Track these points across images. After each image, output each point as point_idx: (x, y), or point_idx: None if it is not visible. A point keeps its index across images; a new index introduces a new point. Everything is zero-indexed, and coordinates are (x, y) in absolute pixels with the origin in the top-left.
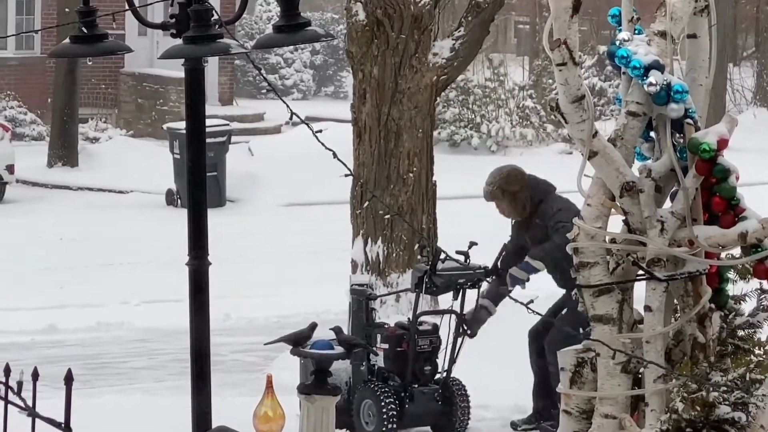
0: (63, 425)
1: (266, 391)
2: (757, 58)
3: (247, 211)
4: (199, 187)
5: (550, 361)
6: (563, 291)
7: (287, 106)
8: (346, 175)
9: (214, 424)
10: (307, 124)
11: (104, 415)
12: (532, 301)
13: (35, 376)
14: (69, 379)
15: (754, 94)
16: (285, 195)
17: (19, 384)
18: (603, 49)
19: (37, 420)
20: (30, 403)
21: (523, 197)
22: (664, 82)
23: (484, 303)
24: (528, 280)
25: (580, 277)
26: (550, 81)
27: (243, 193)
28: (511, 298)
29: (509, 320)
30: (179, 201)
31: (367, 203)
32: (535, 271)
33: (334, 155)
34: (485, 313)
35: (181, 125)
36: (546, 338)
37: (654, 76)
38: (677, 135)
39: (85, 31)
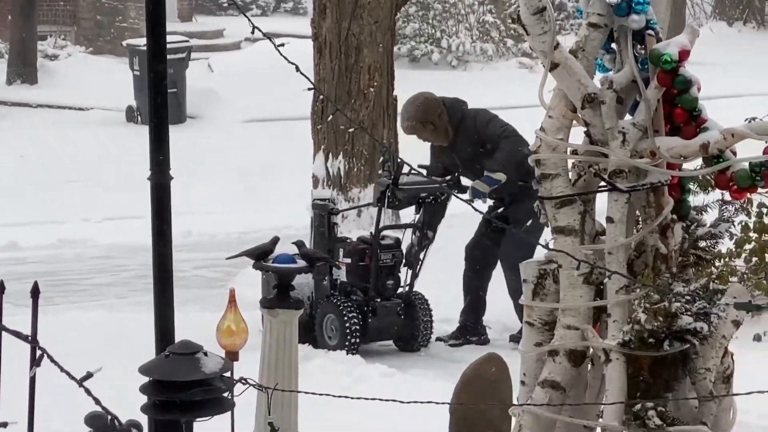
0: (30, 338)
1: (229, 306)
2: None
3: (207, 128)
4: (160, 102)
5: (508, 276)
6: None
7: (249, 19)
8: (309, 89)
9: (177, 339)
10: (269, 38)
11: (68, 331)
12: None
13: (1, 289)
14: (35, 292)
15: (713, 8)
16: (245, 111)
17: None
18: None
19: (4, 334)
20: None
21: (444, 123)
22: None
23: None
24: (491, 193)
25: (542, 188)
26: None
27: (203, 109)
28: (476, 209)
29: (468, 235)
30: (140, 117)
31: (330, 117)
32: (497, 182)
33: (297, 69)
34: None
35: (141, 42)
36: (499, 252)
37: None
38: (638, 46)
39: None
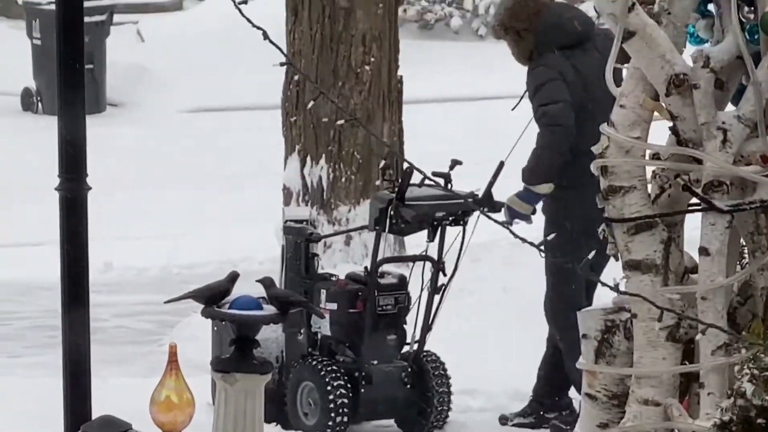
0: None
1: (168, 368)
2: None
3: (135, 119)
4: (74, 85)
5: (555, 333)
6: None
7: None
8: (282, 64)
9: (96, 414)
10: None
11: None
12: (546, 241)
13: None
14: None
15: None
16: (189, 97)
17: None
18: None
19: None
20: None
21: (529, 40)
22: None
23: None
24: (534, 212)
25: (610, 207)
26: None
27: (129, 93)
28: (515, 235)
29: (503, 273)
30: (40, 105)
31: (311, 103)
32: (541, 197)
33: (265, 35)
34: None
35: None
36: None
37: None
38: (746, 8)
39: None
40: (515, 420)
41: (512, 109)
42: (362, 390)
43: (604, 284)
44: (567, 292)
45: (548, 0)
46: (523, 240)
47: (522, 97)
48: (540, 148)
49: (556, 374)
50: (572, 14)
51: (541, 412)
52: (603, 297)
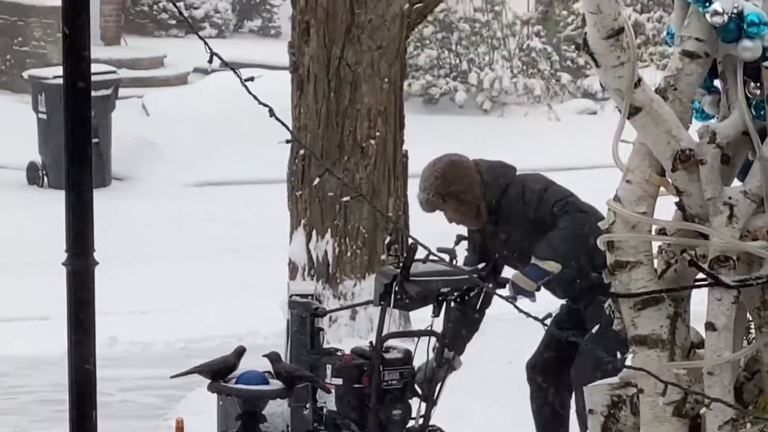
0: None
1: None
2: None
3: (140, 193)
4: (81, 159)
5: (579, 402)
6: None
7: (204, 42)
8: (288, 141)
9: None
10: (231, 68)
11: None
12: (549, 316)
13: None
14: None
15: None
16: (193, 171)
17: None
18: None
19: None
20: None
21: (475, 197)
22: (734, 10)
23: (447, 356)
24: (539, 289)
25: (617, 282)
26: (565, 12)
27: (135, 167)
28: (520, 310)
29: (508, 347)
30: (46, 178)
31: (317, 180)
32: (547, 275)
33: (271, 112)
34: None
35: (48, 72)
36: (572, 370)
37: (720, 3)
38: (752, 84)
39: None
40: None
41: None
42: None
43: (614, 361)
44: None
45: (472, 163)
46: (527, 314)
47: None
48: (563, 230)
49: None
50: (494, 163)
51: None
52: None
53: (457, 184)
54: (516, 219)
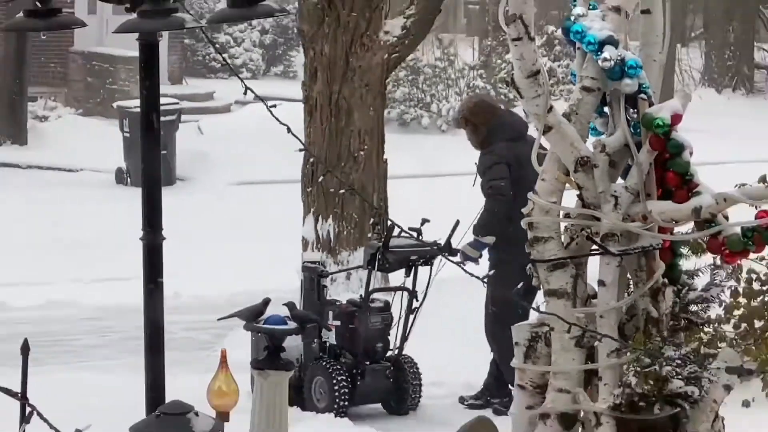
0: (20, 395)
1: (220, 366)
2: (706, 39)
3: (196, 190)
4: (152, 162)
5: (493, 347)
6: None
7: (242, 81)
8: (301, 150)
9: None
10: (261, 99)
11: (56, 391)
12: (488, 275)
13: None
14: (25, 349)
15: (701, 75)
16: (235, 174)
17: None
18: (552, 28)
19: None
20: None
21: (482, 132)
22: (619, 57)
23: (414, 305)
24: (480, 256)
25: (535, 251)
26: (499, 61)
27: (193, 171)
28: (467, 272)
29: (461, 296)
30: (129, 179)
31: (321, 178)
32: (485, 246)
33: (288, 130)
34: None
35: (131, 103)
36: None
37: (608, 51)
38: (631, 110)
39: (39, 4)
40: (469, 401)
41: (472, 185)
42: (358, 383)
43: (532, 308)
44: (506, 318)
45: (498, 105)
46: (471, 275)
47: (476, 176)
48: (487, 212)
49: (499, 374)
50: (514, 118)
51: (488, 398)
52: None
53: (478, 116)
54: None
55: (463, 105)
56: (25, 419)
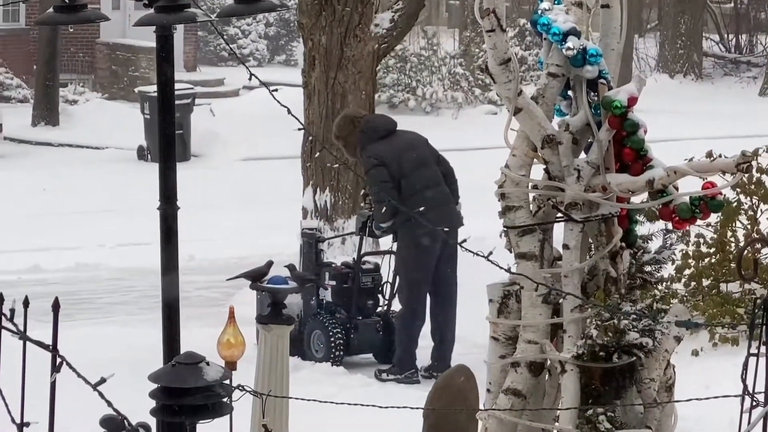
0: (51, 347)
1: (229, 321)
2: (660, 30)
3: (209, 165)
4: (168, 140)
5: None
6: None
7: (247, 68)
8: (299, 129)
9: (182, 351)
10: (264, 84)
11: (84, 344)
12: (491, 253)
13: (26, 303)
14: (56, 306)
15: (656, 62)
16: (242, 150)
17: (11, 311)
18: (524, 21)
19: (28, 344)
20: (21, 328)
21: (352, 143)
22: (581, 47)
23: None
24: (383, 235)
25: (506, 219)
26: (477, 50)
27: (205, 149)
28: (468, 251)
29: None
30: (149, 156)
31: (317, 154)
32: (386, 229)
33: (288, 111)
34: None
35: (151, 89)
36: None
37: (572, 41)
38: (592, 93)
39: (67, 1)
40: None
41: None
42: (351, 335)
43: (503, 268)
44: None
45: (361, 115)
46: (474, 253)
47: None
48: (375, 202)
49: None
50: (381, 119)
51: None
52: (502, 276)
53: (343, 130)
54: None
55: (334, 127)
56: (55, 369)
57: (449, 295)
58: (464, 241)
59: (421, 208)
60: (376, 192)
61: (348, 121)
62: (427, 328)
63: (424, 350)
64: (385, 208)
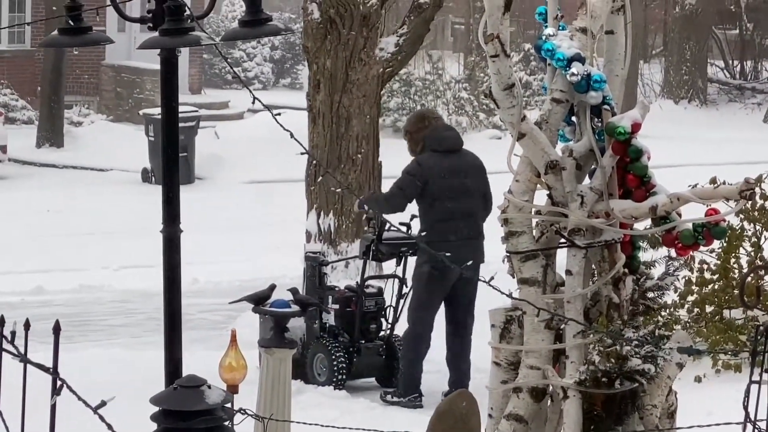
0: (51, 370)
1: (230, 345)
2: (665, 56)
3: (213, 188)
4: (172, 163)
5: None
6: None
7: (251, 92)
8: (302, 153)
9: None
10: (267, 108)
11: (87, 366)
12: (492, 278)
13: (27, 326)
14: (57, 329)
15: (661, 88)
16: (247, 173)
17: (12, 333)
18: (528, 46)
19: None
20: (22, 350)
21: (416, 140)
22: (585, 73)
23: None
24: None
25: (509, 244)
26: (482, 75)
27: (210, 171)
28: (470, 276)
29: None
30: (153, 178)
31: (321, 178)
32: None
33: (291, 135)
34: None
35: (156, 111)
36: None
37: (576, 67)
38: (596, 119)
39: (71, 24)
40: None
41: None
42: (354, 359)
43: (506, 294)
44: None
45: (435, 116)
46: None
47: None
48: (389, 194)
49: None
50: (449, 133)
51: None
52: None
53: (412, 126)
54: None
55: (409, 118)
56: (56, 391)
57: (464, 325)
58: (476, 270)
59: (451, 237)
60: (393, 188)
61: (420, 117)
62: (441, 354)
63: (429, 375)
64: (386, 205)
